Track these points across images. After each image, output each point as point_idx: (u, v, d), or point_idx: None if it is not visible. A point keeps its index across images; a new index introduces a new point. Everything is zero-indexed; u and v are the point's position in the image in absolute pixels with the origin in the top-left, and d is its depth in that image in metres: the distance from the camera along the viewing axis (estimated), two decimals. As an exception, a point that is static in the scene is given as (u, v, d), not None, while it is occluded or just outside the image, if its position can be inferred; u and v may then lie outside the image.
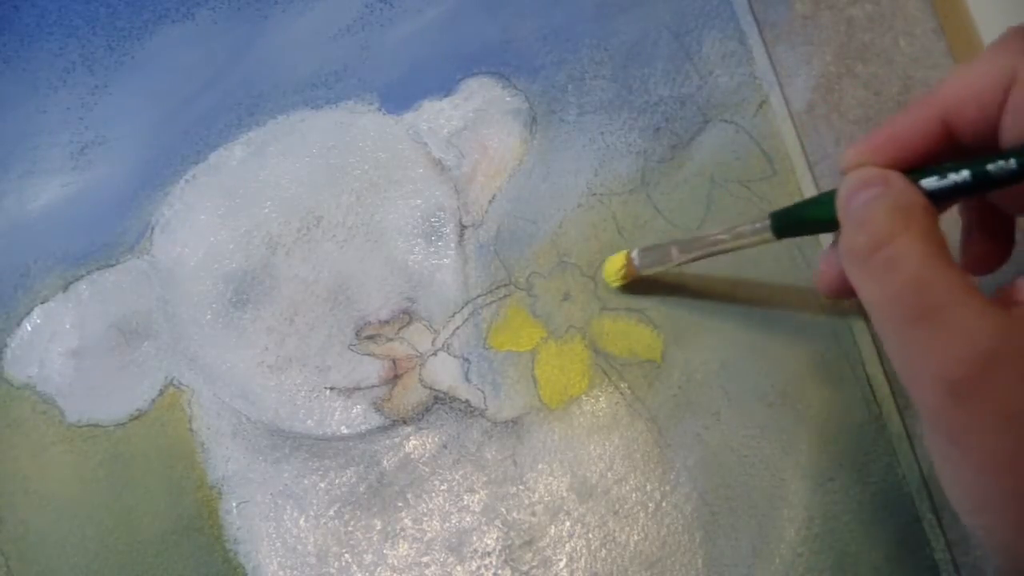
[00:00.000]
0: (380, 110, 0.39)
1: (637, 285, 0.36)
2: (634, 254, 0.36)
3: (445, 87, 0.39)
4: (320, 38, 0.40)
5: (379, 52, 0.40)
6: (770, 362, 0.36)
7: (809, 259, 0.37)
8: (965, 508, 0.25)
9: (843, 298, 0.31)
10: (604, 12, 0.39)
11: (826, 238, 0.36)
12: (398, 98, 0.39)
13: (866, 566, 0.34)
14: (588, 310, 0.37)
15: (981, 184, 0.26)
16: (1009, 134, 0.27)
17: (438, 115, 0.39)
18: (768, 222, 0.31)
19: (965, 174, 0.26)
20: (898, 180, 0.27)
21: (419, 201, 0.38)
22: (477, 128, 0.39)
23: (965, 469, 0.25)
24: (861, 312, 0.36)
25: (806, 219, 0.30)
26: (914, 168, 0.27)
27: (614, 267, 0.36)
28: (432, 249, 0.38)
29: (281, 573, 0.36)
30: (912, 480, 0.34)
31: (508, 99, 0.39)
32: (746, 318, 0.36)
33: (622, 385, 0.36)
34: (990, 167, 0.26)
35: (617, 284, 0.36)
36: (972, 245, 0.32)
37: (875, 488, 0.34)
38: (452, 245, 0.38)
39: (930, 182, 0.27)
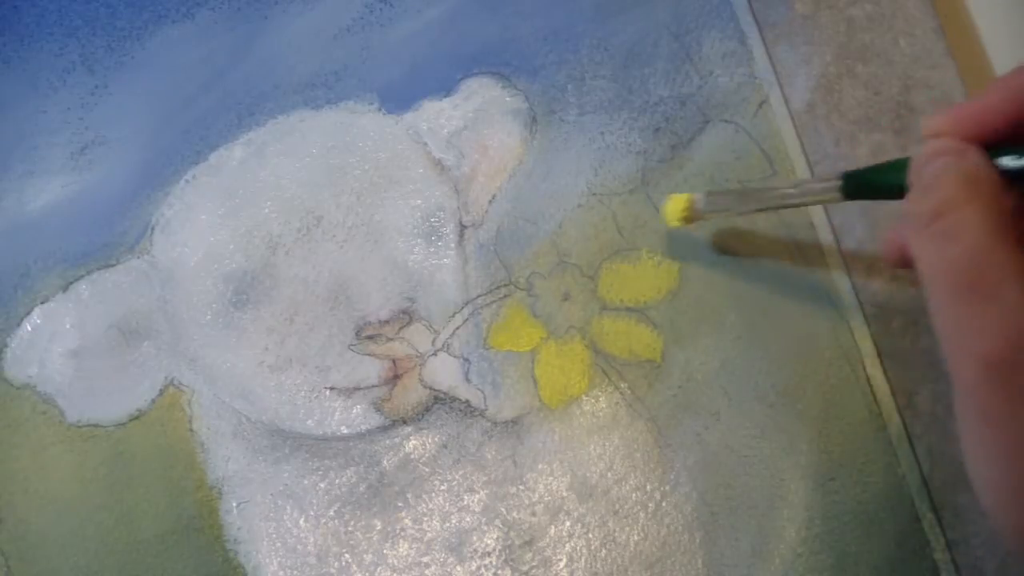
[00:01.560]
0: (380, 110, 0.39)
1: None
2: (698, 196, 0.35)
3: (445, 87, 0.39)
4: (320, 38, 0.40)
5: (379, 52, 0.40)
6: (770, 362, 0.36)
7: (810, 259, 0.37)
8: (986, 487, 0.25)
9: (905, 268, 0.31)
10: (604, 12, 0.39)
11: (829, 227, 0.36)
12: (398, 98, 0.39)
13: (866, 566, 0.34)
14: (588, 310, 0.37)
15: None
16: None
17: (438, 115, 0.39)
18: (838, 182, 0.31)
19: None
20: (974, 152, 0.26)
21: (419, 201, 0.38)
22: (477, 128, 0.39)
23: (993, 448, 0.24)
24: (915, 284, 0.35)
25: (878, 183, 0.30)
26: (996, 145, 0.27)
27: (677, 207, 0.35)
28: (432, 249, 0.38)
29: (281, 573, 0.36)
30: (912, 480, 0.34)
31: (508, 99, 0.39)
32: (746, 318, 0.36)
33: (622, 385, 0.36)
34: None
35: (676, 224, 0.36)
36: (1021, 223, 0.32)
37: (875, 488, 0.34)
38: (452, 245, 0.38)
39: (1007, 160, 0.26)
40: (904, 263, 0.30)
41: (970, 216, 0.25)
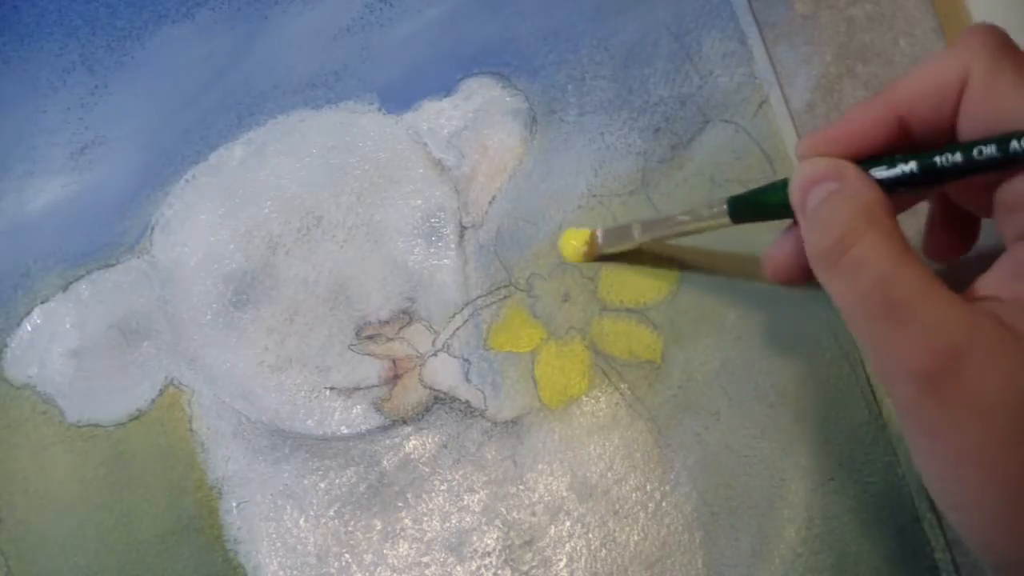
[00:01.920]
0: (380, 110, 0.39)
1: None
2: (599, 232, 0.36)
3: (445, 87, 0.39)
4: (320, 38, 0.40)
5: (379, 52, 0.40)
6: (770, 362, 0.36)
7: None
8: (945, 503, 0.26)
9: (791, 284, 0.32)
10: (604, 12, 0.39)
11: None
12: (398, 98, 0.39)
13: (866, 566, 0.34)
14: (588, 311, 0.37)
15: (929, 176, 0.27)
16: (963, 135, 0.27)
17: (438, 115, 0.39)
18: (725, 206, 0.32)
19: (912, 165, 0.27)
20: (853, 173, 0.27)
21: (419, 201, 0.38)
22: (477, 128, 0.39)
23: (941, 461, 0.25)
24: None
25: (760, 204, 0.31)
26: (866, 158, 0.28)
27: (576, 242, 0.37)
28: (432, 249, 0.38)
29: (281, 573, 0.36)
30: (912, 480, 0.34)
31: (508, 99, 0.39)
32: (746, 318, 0.36)
33: (622, 386, 0.36)
34: (937, 159, 0.27)
35: (576, 260, 0.37)
36: (935, 234, 0.32)
37: (875, 488, 0.34)
38: (452, 245, 0.38)
39: (879, 171, 0.27)
40: (790, 280, 0.31)
41: (870, 246, 0.25)
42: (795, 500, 0.35)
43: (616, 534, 0.35)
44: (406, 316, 0.37)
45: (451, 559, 0.35)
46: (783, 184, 0.29)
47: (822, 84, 0.38)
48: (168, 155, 0.40)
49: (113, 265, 0.39)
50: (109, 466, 0.37)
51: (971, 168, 0.26)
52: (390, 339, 0.37)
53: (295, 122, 0.40)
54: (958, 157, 0.26)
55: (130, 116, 0.40)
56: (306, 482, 0.36)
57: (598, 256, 0.37)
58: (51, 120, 0.40)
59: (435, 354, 0.37)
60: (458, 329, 0.37)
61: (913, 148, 0.28)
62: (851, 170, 0.27)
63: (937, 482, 0.25)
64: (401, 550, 0.36)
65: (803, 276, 0.30)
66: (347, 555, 0.36)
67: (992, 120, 0.26)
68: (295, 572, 0.36)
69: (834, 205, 0.27)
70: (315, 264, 0.38)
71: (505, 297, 0.37)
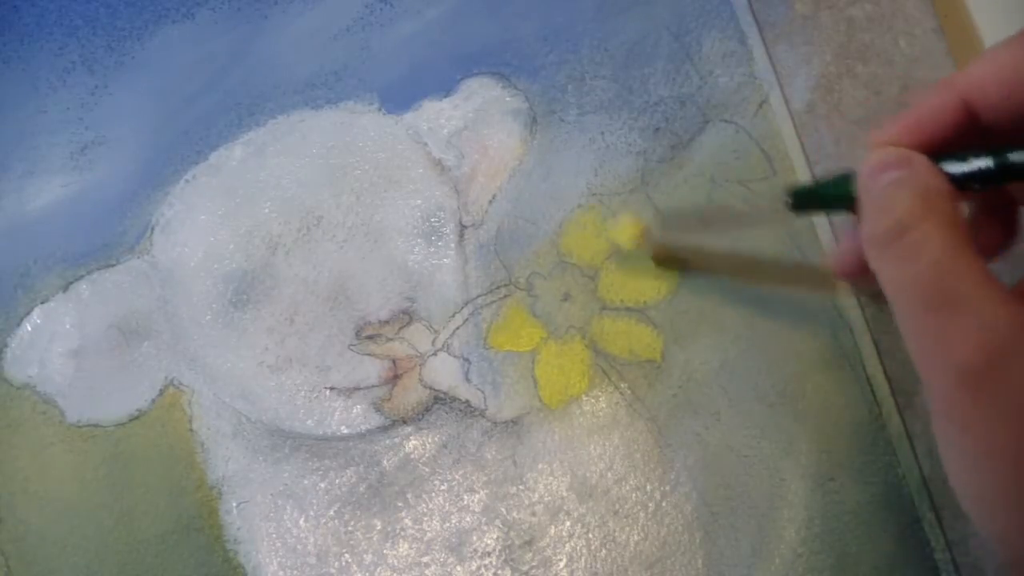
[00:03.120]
0: (380, 110, 0.39)
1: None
2: (653, 221, 0.36)
3: (445, 87, 0.39)
4: (320, 38, 0.40)
5: (379, 52, 0.40)
6: (770, 362, 0.36)
7: (811, 259, 0.37)
8: (969, 496, 0.25)
9: (858, 280, 0.31)
10: (604, 12, 0.39)
11: (831, 229, 0.36)
12: (398, 98, 0.39)
13: (866, 566, 0.34)
14: (588, 310, 0.37)
15: (1003, 172, 0.26)
16: None
17: (438, 115, 0.39)
18: (786, 199, 0.31)
19: (988, 161, 0.26)
20: (921, 162, 0.27)
21: (419, 201, 0.38)
22: (477, 128, 0.39)
23: (973, 457, 0.25)
24: (876, 299, 0.35)
25: (824, 196, 0.30)
26: (939, 152, 0.27)
27: (631, 231, 0.36)
28: (432, 249, 0.38)
29: (281, 573, 0.36)
30: (912, 480, 0.34)
31: (508, 99, 0.39)
32: (746, 318, 0.36)
33: (622, 385, 0.36)
34: (1012, 156, 0.26)
35: (630, 246, 0.36)
36: (978, 228, 0.32)
37: (875, 488, 0.34)
38: (452, 245, 0.38)
39: (952, 166, 0.27)
40: (857, 276, 0.31)
41: (929, 232, 0.25)
42: (795, 500, 0.35)
43: (616, 534, 0.35)
44: (406, 316, 0.37)
45: (451, 559, 0.35)
46: (849, 177, 0.29)
47: (822, 84, 0.38)
48: (168, 155, 0.40)
49: (113, 265, 0.39)
50: (109, 466, 0.37)
51: None
52: (390, 339, 0.37)
53: (295, 122, 0.40)
54: None
55: (130, 116, 0.40)
56: (306, 482, 0.36)
57: (652, 243, 0.36)
58: (51, 120, 0.40)
59: (435, 354, 0.37)
60: (458, 329, 0.37)
61: (988, 139, 0.27)
62: (919, 159, 0.27)
63: (962, 474, 0.25)
64: (401, 550, 0.36)
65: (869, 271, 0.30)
66: (347, 555, 0.36)
67: None
68: (295, 572, 0.36)
69: (897, 190, 0.26)
70: (315, 264, 0.38)
71: (505, 296, 0.37)
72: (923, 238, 0.25)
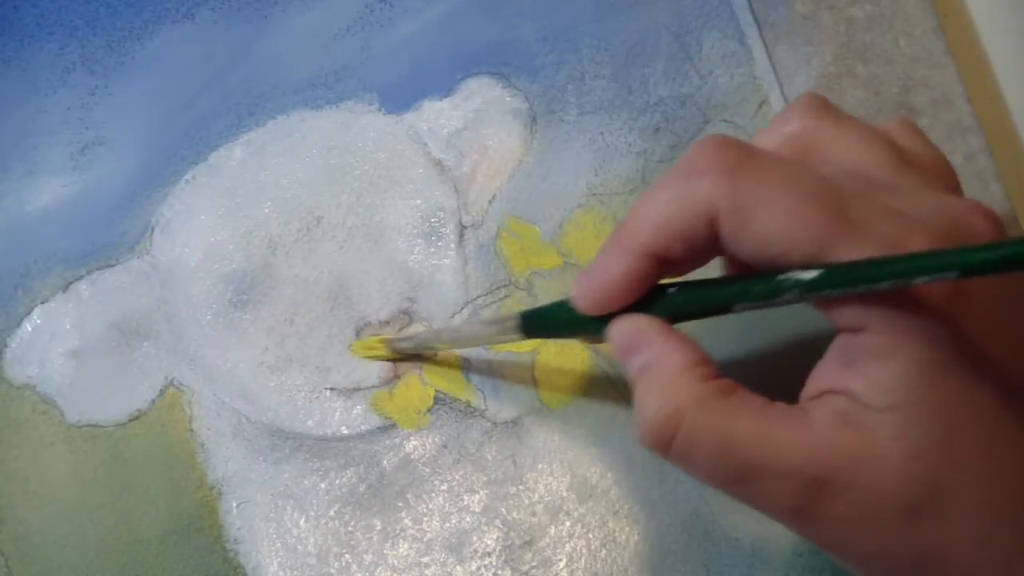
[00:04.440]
0: (380, 110, 0.39)
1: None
2: (388, 340, 0.36)
3: (445, 87, 0.39)
4: (320, 38, 0.40)
5: (379, 52, 0.40)
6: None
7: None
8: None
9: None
10: (604, 12, 0.39)
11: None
12: (398, 98, 0.39)
13: (866, 566, 0.34)
14: (588, 310, 0.37)
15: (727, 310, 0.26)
16: (744, 252, 0.26)
17: (438, 115, 0.39)
18: (516, 320, 0.31)
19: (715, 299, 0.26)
20: (656, 339, 0.26)
21: (419, 201, 0.38)
22: (477, 128, 0.39)
23: (840, 559, 0.26)
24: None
25: (556, 321, 0.29)
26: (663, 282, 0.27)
27: (367, 348, 0.37)
28: (432, 249, 0.38)
29: (281, 573, 0.36)
30: (912, 480, 0.34)
31: (508, 99, 0.39)
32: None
33: (622, 385, 0.36)
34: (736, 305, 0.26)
35: (363, 356, 0.37)
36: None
37: (875, 488, 0.34)
38: (452, 245, 0.38)
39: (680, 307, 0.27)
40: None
41: (691, 427, 0.25)
42: (795, 500, 0.35)
43: (616, 534, 0.35)
44: (406, 316, 0.37)
45: (451, 559, 0.35)
46: (571, 306, 0.28)
47: (822, 84, 0.38)
48: (168, 155, 0.40)
49: (113, 265, 0.39)
50: (109, 466, 0.37)
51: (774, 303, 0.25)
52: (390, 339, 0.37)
53: (295, 122, 0.39)
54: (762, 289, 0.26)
55: (130, 116, 0.40)
56: (306, 482, 0.36)
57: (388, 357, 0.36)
58: (51, 120, 0.40)
59: (435, 354, 0.37)
60: (458, 329, 0.37)
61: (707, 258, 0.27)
62: (654, 335, 0.26)
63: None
64: (401, 550, 0.36)
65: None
66: (347, 555, 0.36)
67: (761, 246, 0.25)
68: (295, 572, 0.36)
69: (648, 385, 0.26)
70: (315, 264, 0.38)
71: (505, 297, 0.37)
72: (690, 435, 0.25)
